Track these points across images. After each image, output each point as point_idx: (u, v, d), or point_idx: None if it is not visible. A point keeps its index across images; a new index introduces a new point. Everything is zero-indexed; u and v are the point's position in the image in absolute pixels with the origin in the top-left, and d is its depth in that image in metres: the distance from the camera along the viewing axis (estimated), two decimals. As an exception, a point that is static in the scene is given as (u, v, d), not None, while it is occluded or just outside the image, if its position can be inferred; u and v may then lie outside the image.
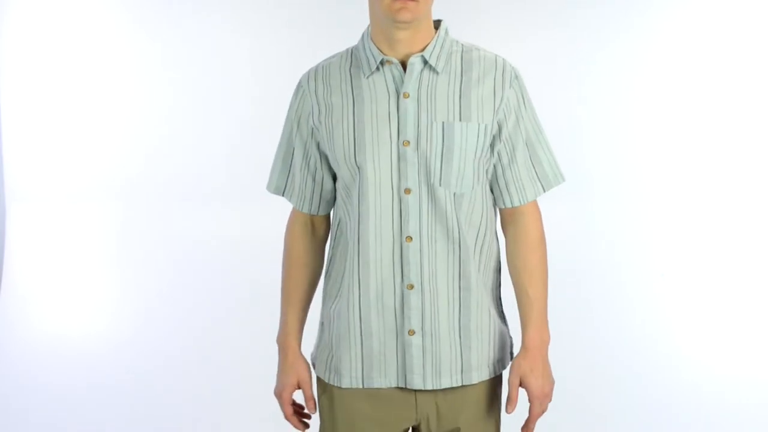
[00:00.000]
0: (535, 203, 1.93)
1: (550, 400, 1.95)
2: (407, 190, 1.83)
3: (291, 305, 2.02)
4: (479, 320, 1.89)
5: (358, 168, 1.84)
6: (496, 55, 1.89)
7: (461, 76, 1.85)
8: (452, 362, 1.87)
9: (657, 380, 3.73)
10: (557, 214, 3.93)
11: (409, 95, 1.82)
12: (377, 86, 1.84)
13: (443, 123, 1.82)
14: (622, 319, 3.97)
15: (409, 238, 1.83)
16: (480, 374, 1.90)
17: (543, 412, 1.94)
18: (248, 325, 4.00)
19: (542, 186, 1.93)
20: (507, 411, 1.91)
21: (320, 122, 1.88)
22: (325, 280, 2.00)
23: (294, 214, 2.02)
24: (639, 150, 4.13)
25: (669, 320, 3.97)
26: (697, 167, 4.10)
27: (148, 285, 4.27)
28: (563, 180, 1.95)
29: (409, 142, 1.82)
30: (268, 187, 2.03)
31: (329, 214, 2.03)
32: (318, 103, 1.89)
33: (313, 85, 1.91)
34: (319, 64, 1.95)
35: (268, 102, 4.21)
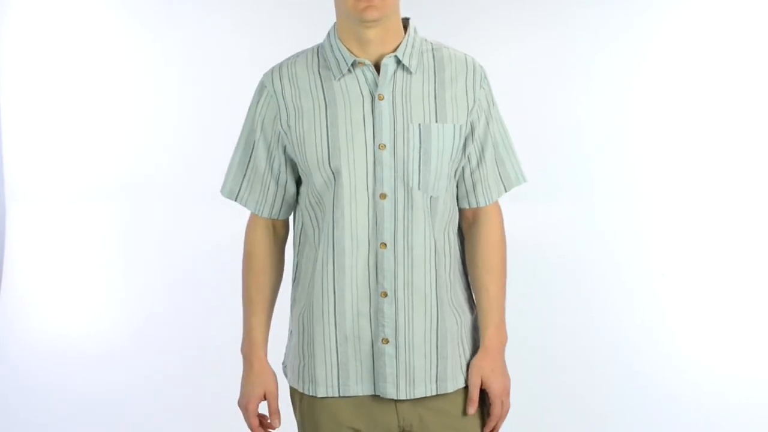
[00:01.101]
0: (497, 203, 1.93)
1: (509, 397, 1.93)
2: (383, 195, 1.79)
3: (255, 313, 1.95)
4: (455, 328, 1.87)
5: (333, 173, 1.79)
6: (465, 54, 1.88)
7: (434, 75, 1.82)
8: (426, 372, 1.84)
9: (657, 380, 3.73)
10: (557, 214, 3.94)
11: (384, 97, 1.79)
12: (350, 89, 1.80)
13: (419, 125, 1.79)
14: (622, 318, 3.97)
15: (384, 245, 1.80)
16: (456, 383, 1.87)
17: (506, 411, 1.92)
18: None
19: (504, 186, 1.92)
20: (468, 412, 1.89)
21: (289, 126, 1.84)
22: (293, 287, 1.95)
23: (253, 218, 1.95)
24: (639, 150, 4.13)
25: (669, 320, 3.97)
26: (697, 167, 4.10)
27: (148, 285, 4.27)
28: (525, 180, 1.95)
29: (385, 145, 1.78)
30: (222, 191, 1.95)
31: (288, 218, 1.98)
32: (286, 106, 1.84)
33: (279, 85, 1.86)
34: (282, 63, 1.90)
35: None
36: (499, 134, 1.90)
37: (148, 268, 4.31)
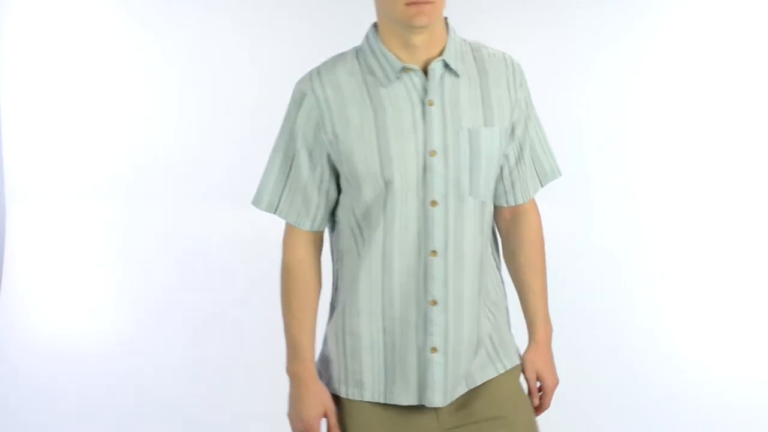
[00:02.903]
0: (533, 199, 1.94)
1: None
2: (433, 203, 1.75)
3: (304, 332, 1.86)
4: (489, 330, 1.88)
5: (385, 183, 1.74)
6: (503, 53, 1.86)
7: (479, 78, 1.79)
8: (464, 374, 1.85)
9: (657, 380, 3.73)
10: (557, 214, 3.94)
11: (433, 103, 1.74)
12: (398, 95, 1.74)
13: (469, 130, 1.75)
14: (622, 319, 3.97)
15: (434, 253, 1.76)
16: (484, 374, 1.89)
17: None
18: (250, 324, 4.01)
19: (540, 182, 1.93)
20: (534, 405, 1.96)
21: (335, 136, 1.76)
22: (333, 294, 1.91)
23: (293, 231, 1.87)
24: (639, 150, 4.13)
25: (669, 320, 3.97)
26: (696, 167, 4.10)
27: (148, 285, 4.27)
28: (560, 174, 1.95)
29: (435, 152, 1.74)
30: (258, 204, 1.88)
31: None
32: (331, 115, 1.76)
33: (322, 93, 1.77)
34: (319, 69, 1.81)
35: (271, 101, 4.21)
36: (536, 132, 1.89)
37: (148, 267, 4.31)
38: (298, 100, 1.80)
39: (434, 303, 1.77)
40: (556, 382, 1.97)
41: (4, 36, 4.37)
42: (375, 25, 1.81)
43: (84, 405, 3.74)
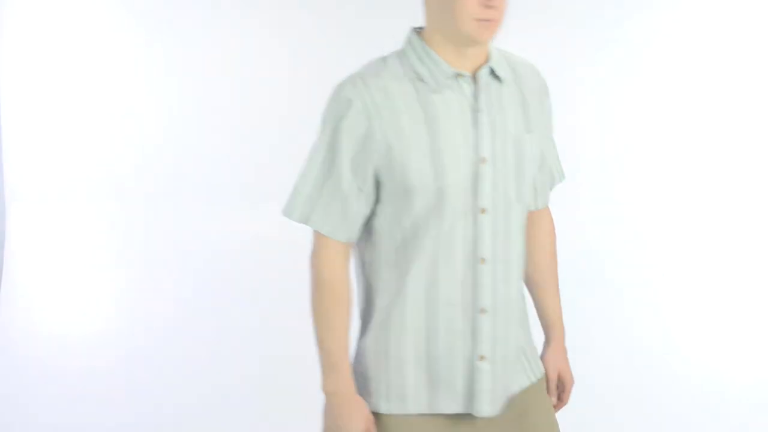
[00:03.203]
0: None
1: None
2: (482, 210, 1.73)
3: (343, 348, 1.79)
4: (529, 338, 1.91)
5: (437, 192, 1.70)
6: (529, 61, 1.88)
7: (515, 84, 1.79)
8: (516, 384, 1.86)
9: (657, 380, 3.74)
10: (556, 214, 3.94)
11: (483, 110, 1.72)
12: (450, 102, 1.71)
13: (514, 137, 1.75)
14: (623, 318, 3.97)
15: (483, 260, 1.74)
16: (520, 384, 1.90)
17: None
18: (250, 324, 4.01)
19: (550, 186, 1.97)
20: (554, 403, 1.97)
21: (387, 144, 1.71)
22: (364, 307, 1.86)
23: (326, 243, 1.78)
24: (638, 150, 4.13)
25: (669, 320, 3.97)
26: (696, 167, 4.10)
27: (148, 285, 4.27)
28: (564, 178, 1.99)
29: (486, 159, 1.72)
30: (290, 214, 1.79)
31: None
32: (383, 123, 1.70)
33: (371, 101, 1.70)
34: (363, 75, 1.74)
35: (271, 102, 4.21)
36: (551, 139, 1.93)
37: (148, 267, 4.31)
38: (343, 106, 1.72)
39: (483, 311, 1.76)
40: (572, 379, 2.00)
41: (4, 36, 4.37)
42: (415, 31, 1.78)
43: (84, 405, 3.75)
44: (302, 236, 4.10)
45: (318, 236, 1.80)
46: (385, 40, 3.61)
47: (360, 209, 1.76)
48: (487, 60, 1.75)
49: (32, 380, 3.93)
